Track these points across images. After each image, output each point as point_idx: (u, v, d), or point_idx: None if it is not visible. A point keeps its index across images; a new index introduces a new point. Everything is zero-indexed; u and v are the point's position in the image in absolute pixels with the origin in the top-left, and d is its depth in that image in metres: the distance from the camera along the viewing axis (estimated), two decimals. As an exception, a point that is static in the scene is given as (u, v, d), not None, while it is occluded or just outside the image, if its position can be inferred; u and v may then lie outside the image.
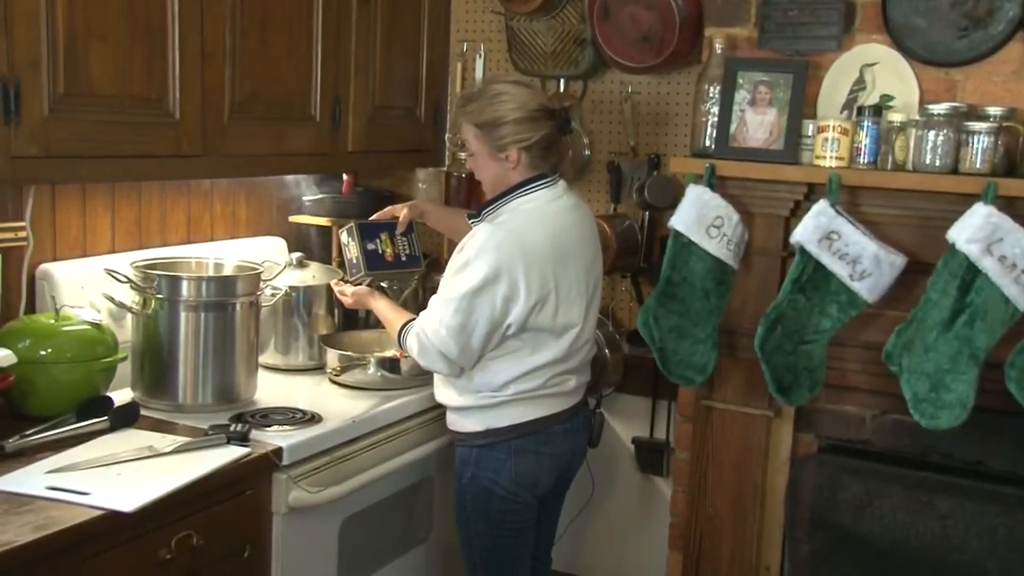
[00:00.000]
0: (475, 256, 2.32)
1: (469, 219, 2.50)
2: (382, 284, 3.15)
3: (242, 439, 2.21)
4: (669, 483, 3.08)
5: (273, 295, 2.70)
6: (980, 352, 2.36)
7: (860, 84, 2.61)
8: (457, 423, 2.50)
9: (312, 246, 3.35)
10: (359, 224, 2.72)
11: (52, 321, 2.33)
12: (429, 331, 2.35)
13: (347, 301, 2.68)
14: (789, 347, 2.59)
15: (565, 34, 3.18)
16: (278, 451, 2.23)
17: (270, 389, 2.63)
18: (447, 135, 3.38)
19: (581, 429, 2.59)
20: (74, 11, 2.08)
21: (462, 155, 3.35)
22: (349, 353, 2.75)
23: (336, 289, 2.72)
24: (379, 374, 2.70)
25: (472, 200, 3.24)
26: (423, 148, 3.29)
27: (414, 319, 2.44)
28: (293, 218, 3.33)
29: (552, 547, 2.77)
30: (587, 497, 3.26)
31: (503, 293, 2.31)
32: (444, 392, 2.51)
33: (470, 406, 2.44)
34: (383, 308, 2.58)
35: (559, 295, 2.38)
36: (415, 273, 2.85)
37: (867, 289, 2.48)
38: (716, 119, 2.69)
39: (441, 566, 2.90)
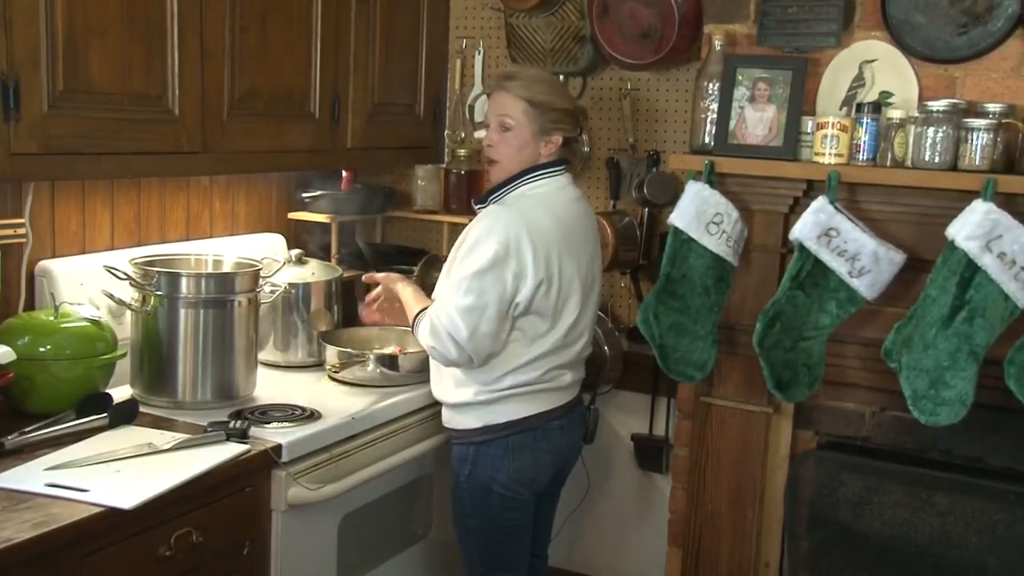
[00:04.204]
0: (484, 236, 2.31)
1: (475, 205, 2.50)
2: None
3: (241, 436, 2.22)
4: (668, 480, 3.08)
5: (272, 292, 2.70)
6: (979, 349, 2.36)
7: (859, 81, 2.61)
8: (454, 420, 2.50)
9: (311, 243, 3.35)
10: None
11: (51, 318, 2.33)
12: (441, 313, 2.33)
13: (378, 277, 2.63)
14: (788, 343, 2.59)
15: (564, 31, 3.17)
16: (277, 448, 2.23)
17: (269, 386, 2.63)
18: (446, 132, 3.38)
19: (577, 425, 2.59)
20: (73, 8, 2.07)
21: (461, 152, 3.35)
22: (348, 350, 2.75)
23: (367, 275, 2.69)
24: (378, 371, 2.70)
25: (472, 198, 3.23)
26: (422, 145, 3.28)
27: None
28: (292, 215, 3.34)
29: (549, 543, 2.77)
30: (583, 493, 3.26)
31: (512, 270, 2.30)
32: (441, 388, 2.50)
33: (467, 402, 2.43)
34: (408, 294, 2.53)
35: (562, 280, 2.38)
36: None
37: (866, 286, 2.48)
38: (715, 116, 2.69)
39: (440, 563, 2.91)
